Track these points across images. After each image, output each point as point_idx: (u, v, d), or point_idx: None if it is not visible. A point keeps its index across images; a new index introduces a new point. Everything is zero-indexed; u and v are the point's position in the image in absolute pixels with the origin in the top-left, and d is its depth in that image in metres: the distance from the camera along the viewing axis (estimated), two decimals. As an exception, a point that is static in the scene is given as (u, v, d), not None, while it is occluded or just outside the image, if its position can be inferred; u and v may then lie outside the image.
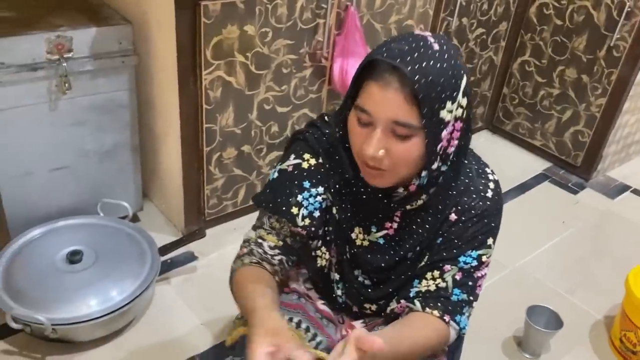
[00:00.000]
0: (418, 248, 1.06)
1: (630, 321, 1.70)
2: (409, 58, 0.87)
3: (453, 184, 1.03)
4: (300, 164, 1.08)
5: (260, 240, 1.10)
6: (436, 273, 1.05)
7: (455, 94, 0.90)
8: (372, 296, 1.13)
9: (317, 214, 1.08)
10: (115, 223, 1.83)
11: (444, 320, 1.03)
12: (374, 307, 1.15)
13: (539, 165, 2.72)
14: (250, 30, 1.75)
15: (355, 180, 1.04)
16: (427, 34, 0.93)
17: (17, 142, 1.68)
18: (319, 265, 1.15)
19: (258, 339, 0.85)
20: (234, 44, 1.74)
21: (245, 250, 1.12)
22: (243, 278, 1.05)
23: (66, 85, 1.66)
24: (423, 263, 1.07)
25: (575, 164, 2.63)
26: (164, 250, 1.85)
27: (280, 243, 1.10)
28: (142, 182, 2.03)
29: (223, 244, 1.97)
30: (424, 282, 1.05)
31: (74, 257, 1.63)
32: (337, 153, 1.03)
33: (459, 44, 2.46)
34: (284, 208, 1.07)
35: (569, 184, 2.60)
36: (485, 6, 2.45)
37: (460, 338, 1.10)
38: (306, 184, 1.07)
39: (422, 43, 0.89)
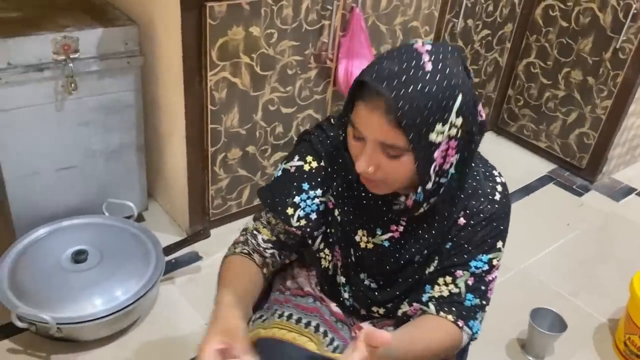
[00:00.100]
0: (426, 252, 1.06)
1: (635, 324, 1.70)
2: (395, 82, 0.86)
3: (459, 192, 1.03)
4: (302, 166, 1.09)
5: (255, 232, 1.14)
6: (448, 279, 1.05)
7: (446, 115, 0.87)
8: (379, 299, 1.13)
9: (313, 215, 1.09)
10: (120, 223, 1.84)
11: (458, 325, 1.03)
12: (381, 311, 1.15)
13: (543, 167, 2.71)
14: (255, 32, 1.75)
15: (357, 184, 1.04)
16: (425, 48, 0.90)
17: (24, 142, 1.70)
18: (323, 266, 1.16)
19: (210, 336, 0.90)
20: (239, 45, 1.74)
21: (241, 238, 1.15)
22: (227, 268, 1.09)
23: (72, 85, 1.67)
24: (433, 268, 1.07)
25: (580, 166, 2.62)
26: (169, 250, 1.85)
27: (274, 238, 1.13)
28: (147, 182, 2.04)
29: (227, 244, 1.93)
30: (436, 287, 1.05)
31: (79, 257, 1.64)
32: (341, 156, 1.03)
33: (464, 45, 2.46)
34: (279, 208, 1.09)
35: (574, 186, 2.60)
36: (490, 8, 2.45)
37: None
38: (305, 186, 1.09)
39: (414, 63, 0.87)
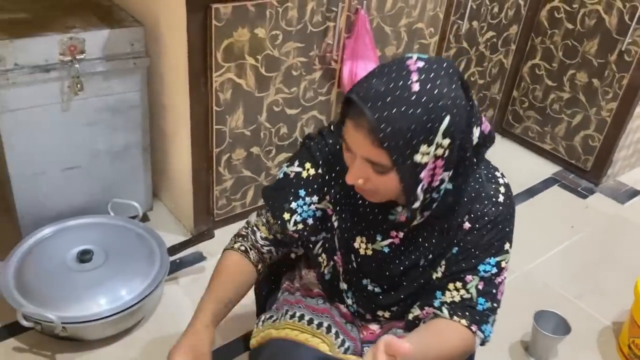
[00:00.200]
0: (431, 256, 1.07)
1: (639, 327, 1.69)
2: (380, 102, 0.86)
3: (459, 202, 1.02)
4: (300, 172, 1.11)
5: (255, 229, 1.20)
6: (458, 284, 1.05)
7: (431, 137, 0.87)
8: (383, 303, 1.14)
9: (310, 221, 1.12)
10: (125, 223, 1.85)
11: (471, 329, 1.04)
12: (387, 314, 1.16)
13: (548, 169, 2.71)
14: (260, 33, 1.76)
15: (354, 191, 1.05)
16: (417, 65, 0.89)
17: (30, 142, 1.71)
18: (320, 270, 1.18)
19: (178, 351, 1.04)
20: (244, 47, 1.75)
21: (243, 231, 1.22)
22: (222, 265, 1.17)
23: (78, 86, 1.68)
24: (441, 274, 1.07)
25: (585, 169, 2.62)
26: (173, 250, 1.86)
27: (271, 237, 1.18)
28: (152, 182, 2.05)
29: (231, 244, 1.98)
30: (447, 293, 1.06)
31: (84, 256, 1.65)
32: (338, 164, 1.03)
33: (469, 47, 2.46)
34: (277, 212, 1.13)
35: (579, 189, 2.59)
36: (495, 9, 2.45)
37: None
38: (301, 193, 1.11)
39: (401, 83, 0.86)
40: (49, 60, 1.62)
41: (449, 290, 1.06)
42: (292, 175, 1.12)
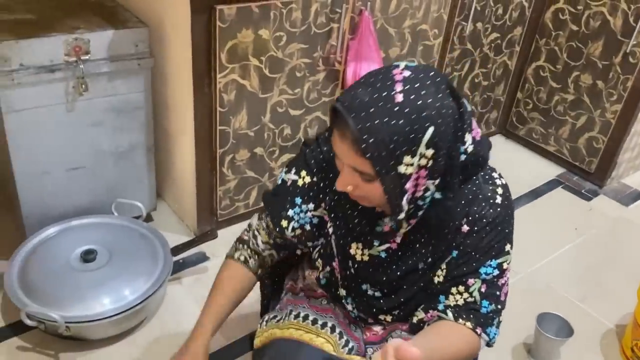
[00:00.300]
0: (430, 259, 1.07)
1: (642, 330, 1.69)
2: (363, 113, 0.86)
3: (449, 212, 1.02)
4: (296, 180, 1.13)
5: (256, 233, 1.24)
6: (461, 288, 1.05)
7: (414, 148, 0.87)
8: (384, 307, 1.14)
9: (307, 227, 1.15)
10: (129, 223, 1.85)
11: (476, 332, 1.04)
12: (389, 318, 1.16)
13: (552, 170, 2.70)
14: (264, 35, 1.76)
15: (346, 198, 1.06)
16: (403, 74, 0.89)
17: (35, 142, 1.71)
18: (317, 275, 1.19)
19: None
20: (248, 48, 1.76)
21: (245, 237, 1.25)
22: (222, 277, 1.24)
23: (83, 86, 1.69)
24: (443, 278, 1.07)
25: (589, 170, 2.61)
26: (177, 250, 1.87)
27: (271, 241, 1.21)
28: (156, 182, 2.06)
29: (235, 245, 1.99)
30: (451, 297, 1.06)
31: (88, 256, 1.66)
32: (332, 171, 1.04)
33: (473, 48, 2.46)
34: (275, 219, 1.16)
35: (583, 191, 2.59)
36: (500, 11, 2.44)
37: None
38: (297, 201, 1.13)
39: (385, 94, 0.87)
40: (54, 61, 1.63)
41: (452, 294, 1.06)
42: (289, 183, 1.14)
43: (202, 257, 1.96)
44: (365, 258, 1.10)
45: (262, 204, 1.20)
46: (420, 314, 1.10)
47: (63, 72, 1.66)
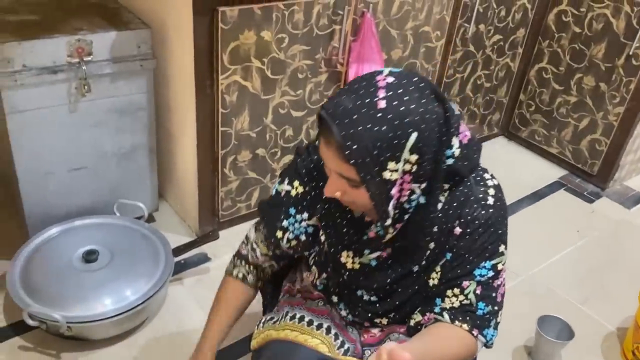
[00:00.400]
0: (424, 262, 1.07)
1: (643, 334, 1.69)
2: (347, 120, 0.87)
3: (428, 218, 1.02)
4: (289, 191, 1.14)
5: (254, 246, 1.24)
6: (456, 291, 1.05)
7: (398, 154, 0.87)
8: (379, 311, 1.14)
9: (303, 237, 1.15)
10: (131, 223, 1.86)
11: (473, 334, 1.04)
12: (384, 321, 1.16)
13: (554, 172, 2.70)
14: (266, 36, 1.77)
15: (336, 207, 1.07)
16: (387, 80, 0.89)
17: (37, 143, 1.72)
18: (313, 281, 1.20)
19: None
20: (250, 50, 1.76)
21: (243, 251, 1.26)
22: (222, 295, 1.27)
23: (86, 87, 1.69)
24: (437, 281, 1.07)
25: (592, 173, 2.61)
26: (178, 251, 1.87)
27: (270, 253, 1.21)
28: (158, 183, 2.06)
29: (236, 246, 1.97)
30: (447, 300, 1.06)
31: (90, 257, 1.66)
32: (322, 179, 1.04)
33: (475, 50, 2.46)
34: (270, 231, 1.17)
35: (585, 193, 2.58)
36: (503, 13, 2.44)
37: None
38: (292, 211, 1.14)
39: (367, 100, 0.87)
40: (56, 62, 1.64)
41: (448, 297, 1.06)
42: (282, 194, 1.14)
43: (204, 258, 1.96)
44: (356, 266, 1.10)
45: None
46: (417, 317, 1.10)
47: (66, 73, 1.66)
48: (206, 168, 1.91)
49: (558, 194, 2.57)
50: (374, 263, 1.09)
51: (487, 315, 1.05)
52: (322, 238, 1.13)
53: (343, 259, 1.10)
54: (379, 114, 0.87)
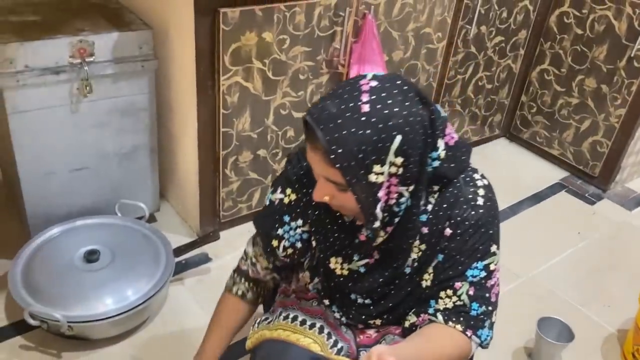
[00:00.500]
0: (416, 264, 1.07)
1: (643, 336, 1.69)
2: (331, 125, 0.88)
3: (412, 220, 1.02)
4: (282, 199, 1.15)
5: (254, 261, 1.26)
6: (449, 292, 1.05)
7: (383, 157, 0.88)
8: (374, 313, 1.15)
9: (299, 244, 1.15)
10: (132, 223, 1.87)
11: (466, 334, 1.04)
12: (378, 322, 1.17)
13: (555, 174, 2.70)
14: (268, 37, 1.77)
15: (325, 212, 1.08)
16: (370, 84, 0.90)
17: (39, 143, 1.73)
18: (306, 285, 1.21)
19: None
20: (251, 51, 1.76)
21: (243, 267, 1.28)
22: (220, 311, 1.31)
23: (87, 88, 1.70)
24: (430, 283, 1.08)
25: (593, 174, 2.61)
26: (179, 251, 1.88)
27: (270, 265, 1.22)
28: (159, 183, 2.07)
29: (237, 246, 1.99)
30: (440, 301, 1.06)
31: (91, 256, 1.67)
32: (312, 185, 1.04)
33: (477, 52, 2.46)
34: (266, 241, 1.17)
35: (586, 195, 2.58)
36: (504, 14, 2.44)
37: None
38: (286, 218, 1.14)
39: (351, 104, 0.88)
40: (59, 63, 1.65)
41: (441, 298, 1.06)
42: (276, 203, 1.15)
43: (205, 259, 1.97)
44: (345, 272, 1.11)
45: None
46: (412, 318, 1.10)
47: (68, 73, 1.67)
48: (207, 168, 1.92)
49: (559, 196, 2.57)
50: (362, 270, 1.09)
51: (481, 316, 1.05)
52: (314, 244, 1.14)
53: (332, 265, 1.11)
54: (363, 118, 0.88)
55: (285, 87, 1.91)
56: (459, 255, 1.04)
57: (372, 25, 1.94)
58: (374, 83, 0.90)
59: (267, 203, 1.17)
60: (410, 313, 1.11)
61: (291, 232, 1.14)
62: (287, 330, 1.12)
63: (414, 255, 1.06)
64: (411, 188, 0.95)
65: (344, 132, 0.87)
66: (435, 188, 1.02)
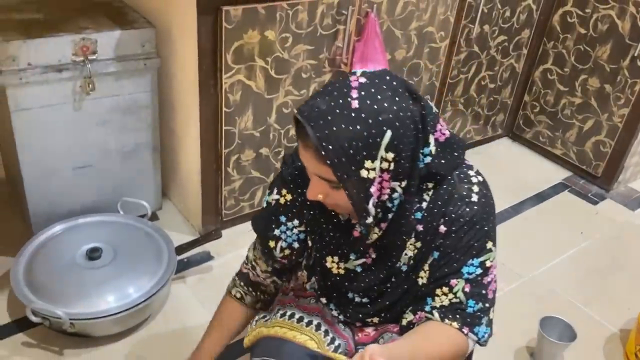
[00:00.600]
0: (412, 262, 1.07)
1: (646, 336, 1.68)
2: (322, 121, 0.88)
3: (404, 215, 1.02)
4: (278, 199, 1.15)
5: (254, 264, 1.27)
6: (445, 289, 1.05)
7: (374, 152, 0.89)
8: (371, 311, 1.15)
9: (296, 245, 1.15)
10: (134, 221, 1.87)
11: (463, 332, 1.04)
12: (375, 320, 1.17)
13: (558, 174, 2.69)
14: (270, 36, 1.77)
15: (320, 211, 1.08)
16: (360, 80, 0.90)
17: (42, 141, 1.73)
18: (303, 285, 1.21)
19: None
20: (254, 49, 1.76)
21: (244, 270, 1.30)
22: (219, 312, 1.33)
23: (90, 86, 1.70)
24: (426, 280, 1.08)
25: (596, 174, 2.60)
26: (181, 249, 1.88)
27: (270, 268, 1.23)
28: (161, 181, 2.07)
29: (239, 245, 2.00)
30: (437, 299, 1.06)
31: (93, 254, 1.67)
32: (306, 184, 1.04)
33: (479, 51, 2.46)
34: (263, 242, 1.18)
35: (589, 194, 2.58)
36: (507, 13, 2.44)
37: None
38: (282, 219, 1.15)
39: (341, 101, 0.89)
40: (61, 60, 1.65)
41: (438, 295, 1.06)
42: (273, 204, 1.16)
43: (207, 257, 1.97)
44: (341, 271, 1.11)
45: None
46: (409, 316, 1.10)
47: (70, 71, 1.67)
48: (209, 167, 1.92)
49: (562, 196, 2.56)
50: (359, 269, 1.10)
51: (478, 313, 1.05)
52: (310, 243, 1.14)
53: (328, 264, 1.11)
54: (353, 114, 0.88)
55: (287, 86, 1.91)
56: (454, 253, 1.04)
57: (374, 24, 1.94)
58: (363, 79, 0.91)
59: (265, 205, 1.18)
60: (407, 311, 1.11)
61: (288, 233, 1.15)
62: (284, 327, 1.12)
63: (409, 253, 1.06)
64: (404, 184, 0.95)
65: (334, 129, 0.87)
66: (430, 185, 1.02)
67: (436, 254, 1.05)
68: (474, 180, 1.06)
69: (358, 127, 0.87)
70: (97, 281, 1.62)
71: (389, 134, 0.89)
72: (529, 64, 2.70)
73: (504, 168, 2.64)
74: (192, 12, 1.65)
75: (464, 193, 1.04)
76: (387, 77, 0.92)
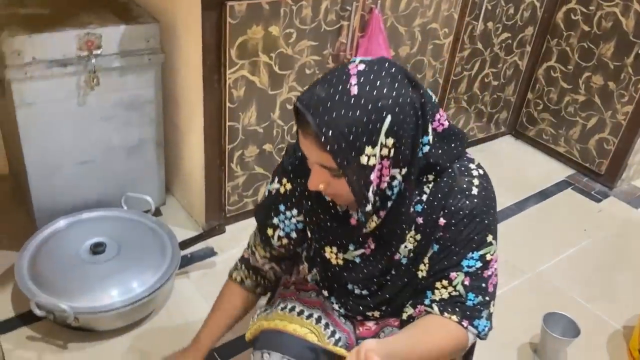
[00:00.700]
0: (412, 254, 1.07)
1: (650, 332, 1.68)
2: (321, 108, 0.88)
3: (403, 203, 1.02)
4: (279, 188, 1.15)
5: (254, 250, 1.28)
6: (445, 282, 1.05)
7: (374, 138, 0.88)
8: (371, 304, 1.15)
9: (294, 234, 1.16)
10: (138, 216, 1.87)
11: (462, 325, 1.04)
12: (376, 314, 1.17)
13: (562, 171, 2.69)
14: (274, 31, 1.77)
15: (319, 202, 1.08)
16: (358, 68, 0.91)
17: (46, 136, 1.74)
18: (304, 277, 1.21)
19: None
20: (258, 44, 1.77)
21: (245, 255, 1.31)
22: (220, 295, 1.35)
23: (94, 81, 1.71)
24: (426, 273, 1.08)
25: (599, 172, 2.60)
26: (184, 244, 1.88)
27: (268, 255, 1.24)
28: (165, 177, 2.07)
29: (242, 240, 1.96)
30: (436, 292, 1.06)
31: (97, 249, 1.68)
32: (306, 174, 1.04)
33: (483, 48, 2.46)
34: (261, 229, 1.19)
35: (592, 192, 2.57)
36: (511, 11, 2.44)
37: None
38: (281, 208, 1.15)
39: (340, 87, 0.89)
40: (66, 55, 1.65)
41: (437, 288, 1.06)
42: (273, 193, 1.16)
43: (210, 252, 1.97)
44: (340, 262, 1.11)
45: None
46: (409, 310, 1.10)
47: (75, 66, 1.67)
48: (213, 163, 1.92)
49: (565, 193, 2.56)
50: (358, 260, 1.10)
51: (478, 306, 1.04)
52: (309, 234, 1.14)
53: (327, 255, 1.12)
54: (352, 100, 0.88)
55: (291, 82, 1.91)
56: (454, 246, 1.03)
57: (378, 20, 1.94)
58: (361, 66, 0.91)
59: (266, 194, 1.19)
60: (407, 305, 1.10)
61: (286, 222, 1.15)
62: (284, 320, 1.12)
63: (409, 246, 1.06)
64: (404, 171, 0.95)
65: (333, 115, 0.87)
66: (430, 178, 1.02)
67: (436, 247, 1.05)
68: (475, 173, 1.06)
69: (357, 113, 0.87)
70: (101, 276, 1.62)
71: (388, 119, 0.89)
72: (533, 62, 2.70)
73: (507, 165, 2.63)
74: (196, 8, 1.66)
75: (465, 186, 1.03)
76: (386, 64, 0.92)
